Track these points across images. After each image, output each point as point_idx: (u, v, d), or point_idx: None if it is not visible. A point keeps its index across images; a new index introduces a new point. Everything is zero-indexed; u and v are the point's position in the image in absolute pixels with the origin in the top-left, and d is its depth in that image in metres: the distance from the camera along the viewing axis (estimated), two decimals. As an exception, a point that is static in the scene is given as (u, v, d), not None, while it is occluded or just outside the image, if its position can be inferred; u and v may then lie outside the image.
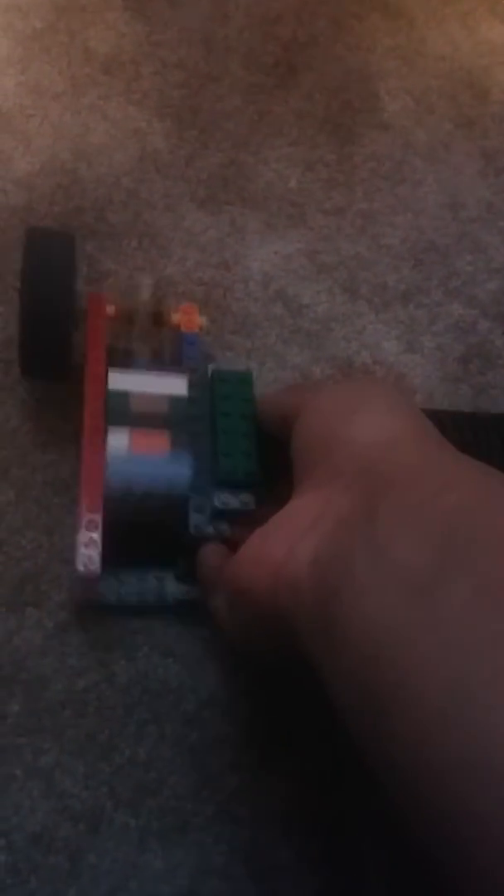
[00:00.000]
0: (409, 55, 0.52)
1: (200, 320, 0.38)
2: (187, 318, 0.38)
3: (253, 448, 0.32)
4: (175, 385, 0.35)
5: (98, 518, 0.31)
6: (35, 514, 0.36)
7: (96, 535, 0.31)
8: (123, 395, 0.34)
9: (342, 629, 0.22)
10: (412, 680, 0.19)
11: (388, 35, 0.53)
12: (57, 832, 0.31)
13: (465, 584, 0.20)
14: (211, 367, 0.35)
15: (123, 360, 0.36)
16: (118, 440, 0.33)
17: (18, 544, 0.35)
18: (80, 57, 0.48)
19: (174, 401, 0.34)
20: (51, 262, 0.35)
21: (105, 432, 0.33)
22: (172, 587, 0.34)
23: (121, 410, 0.33)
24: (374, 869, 0.32)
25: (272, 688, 0.34)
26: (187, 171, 0.46)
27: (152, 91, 0.48)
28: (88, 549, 0.31)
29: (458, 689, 0.18)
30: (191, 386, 0.35)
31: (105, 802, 0.32)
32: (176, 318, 0.38)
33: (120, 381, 0.34)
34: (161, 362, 0.36)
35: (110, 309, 0.37)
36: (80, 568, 0.31)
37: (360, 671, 0.21)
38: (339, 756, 0.33)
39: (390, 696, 0.20)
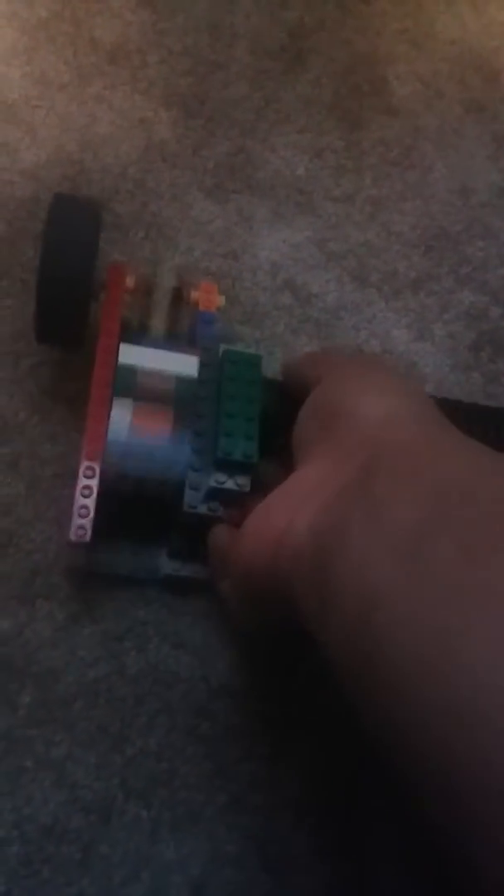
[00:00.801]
0: (418, 38, 0.51)
1: (219, 300, 0.37)
2: (206, 296, 0.37)
3: (255, 432, 0.32)
4: (185, 364, 0.34)
5: (94, 485, 0.32)
6: (45, 507, 0.36)
7: (90, 503, 0.31)
8: (131, 371, 0.34)
9: (336, 589, 0.23)
10: (397, 631, 0.20)
11: (396, 19, 0.52)
12: (69, 823, 0.31)
13: (449, 542, 0.21)
14: (223, 348, 0.35)
15: (138, 333, 0.36)
16: (119, 422, 0.32)
17: (28, 536, 0.35)
18: (86, 46, 0.48)
19: (182, 381, 0.34)
20: (74, 227, 0.34)
21: (110, 405, 0.33)
22: (164, 562, 0.34)
23: (127, 385, 0.33)
24: (383, 858, 0.32)
25: (284, 677, 0.34)
26: (194, 159, 0.46)
27: (158, 80, 0.48)
28: (81, 518, 0.31)
29: (441, 639, 0.19)
30: (203, 366, 0.34)
31: (117, 793, 0.32)
32: (195, 295, 0.37)
33: (130, 355, 0.34)
34: (176, 339, 0.36)
35: (130, 281, 0.37)
36: (72, 537, 0.31)
37: (350, 627, 0.22)
38: (352, 745, 0.33)
39: (377, 647, 0.21)
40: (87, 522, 0.31)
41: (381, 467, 0.24)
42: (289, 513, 0.26)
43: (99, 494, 0.32)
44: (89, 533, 0.31)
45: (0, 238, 0.42)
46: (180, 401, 0.33)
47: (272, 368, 0.35)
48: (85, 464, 0.32)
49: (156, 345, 0.35)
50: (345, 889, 0.32)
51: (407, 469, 0.24)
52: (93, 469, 0.32)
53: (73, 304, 0.34)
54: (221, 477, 0.32)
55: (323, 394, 0.29)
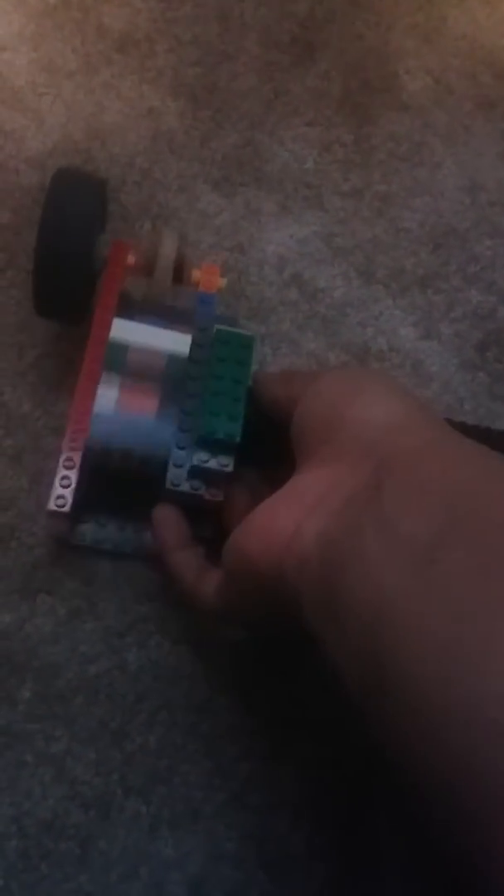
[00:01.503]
0: (429, 33, 0.51)
1: (221, 281, 0.37)
2: (207, 277, 0.37)
3: (239, 413, 0.32)
4: (178, 342, 0.34)
5: (76, 457, 0.32)
6: (48, 501, 0.35)
7: (72, 474, 0.31)
8: (123, 346, 0.33)
9: (347, 599, 0.23)
10: (411, 642, 0.20)
11: (407, 13, 0.51)
12: (68, 819, 0.31)
13: (463, 554, 0.21)
14: (216, 328, 0.34)
15: (137, 309, 0.35)
16: (106, 395, 0.32)
17: (30, 531, 0.35)
18: (94, 34, 0.47)
19: (172, 358, 0.34)
20: (73, 200, 0.35)
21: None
22: (149, 539, 0.34)
23: (117, 360, 0.33)
24: (389, 855, 0.32)
25: (284, 675, 0.34)
26: (202, 151, 0.45)
27: (167, 69, 0.47)
28: (63, 488, 0.31)
29: (453, 651, 0.19)
30: (197, 346, 0.34)
31: (116, 789, 0.32)
32: (197, 275, 0.37)
33: (123, 330, 0.34)
34: (174, 318, 0.36)
35: (131, 258, 0.36)
36: (52, 507, 0.31)
37: (362, 637, 0.22)
38: (352, 746, 0.33)
39: (390, 659, 0.21)
40: (68, 493, 0.31)
41: (390, 476, 0.24)
42: (297, 518, 0.26)
43: (83, 467, 0.32)
44: (69, 503, 0.31)
45: (5, 226, 0.42)
46: (169, 378, 0.33)
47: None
48: (69, 435, 0.32)
49: (150, 322, 0.35)
50: (342, 888, 0.32)
51: (417, 477, 0.24)
52: (77, 441, 0.32)
53: (70, 277, 0.34)
54: (204, 456, 0.32)
55: (317, 400, 0.29)
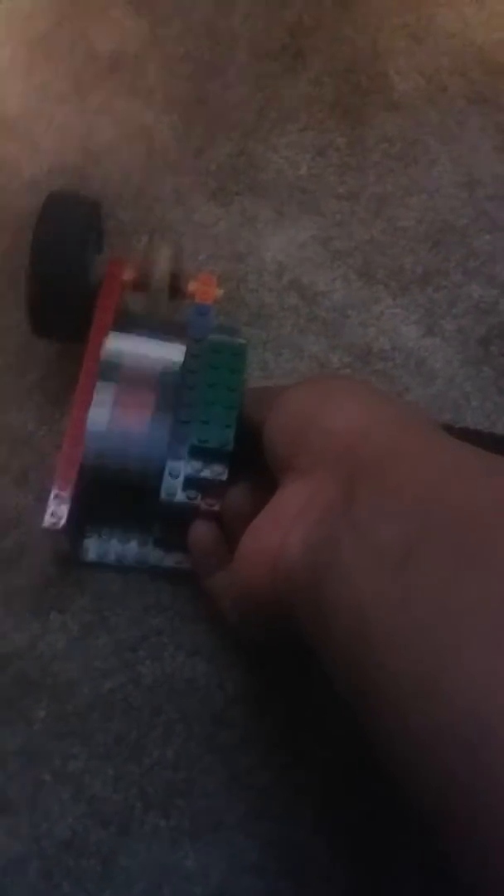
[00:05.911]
0: (419, 33, 0.51)
1: (217, 292, 0.37)
2: (203, 288, 0.37)
3: (233, 421, 0.32)
4: (172, 353, 0.34)
5: (72, 475, 0.32)
6: (55, 518, 0.36)
7: (66, 493, 0.31)
8: (117, 357, 0.34)
9: (332, 609, 0.23)
10: (392, 653, 0.20)
11: (395, 14, 0.51)
12: (88, 836, 0.31)
13: (434, 559, 0.21)
14: (210, 337, 0.34)
15: (134, 324, 0.36)
16: (101, 408, 0.32)
17: (40, 549, 0.35)
18: (85, 56, 0.48)
19: (167, 368, 0.34)
20: (62, 223, 0.35)
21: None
22: (152, 551, 0.34)
23: (112, 371, 0.33)
24: (403, 864, 0.31)
25: (300, 683, 0.34)
26: (196, 163, 0.45)
27: (158, 86, 0.47)
28: (58, 504, 0.31)
29: (433, 658, 0.19)
30: (193, 356, 0.34)
31: (135, 804, 0.32)
32: (193, 287, 0.37)
33: (118, 343, 0.34)
34: (171, 330, 0.36)
35: (128, 275, 0.37)
36: (47, 522, 0.31)
37: (348, 648, 0.22)
38: (370, 751, 0.32)
39: (375, 670, 0.21)
40: (63, 510, 0.31)
41: (362, 482, 0.24)
42: (280, 534, 0.26)
43: (80, 482, 0.32)
44: (63, 520, 0.31)
45: (4, 251, 0.42)
46: (164, 389, 0.33)
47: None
48: (65, 451, 0.32)
49: (145, 333, 0.35)
50: (366, 893, 0.31)
51: (387, 482, 0.24)
52: (74, 457, 0.32)
53: (62, 297, 0.35)
54: (198, 465, 0.32)
55: (281, 416, 0.29)
